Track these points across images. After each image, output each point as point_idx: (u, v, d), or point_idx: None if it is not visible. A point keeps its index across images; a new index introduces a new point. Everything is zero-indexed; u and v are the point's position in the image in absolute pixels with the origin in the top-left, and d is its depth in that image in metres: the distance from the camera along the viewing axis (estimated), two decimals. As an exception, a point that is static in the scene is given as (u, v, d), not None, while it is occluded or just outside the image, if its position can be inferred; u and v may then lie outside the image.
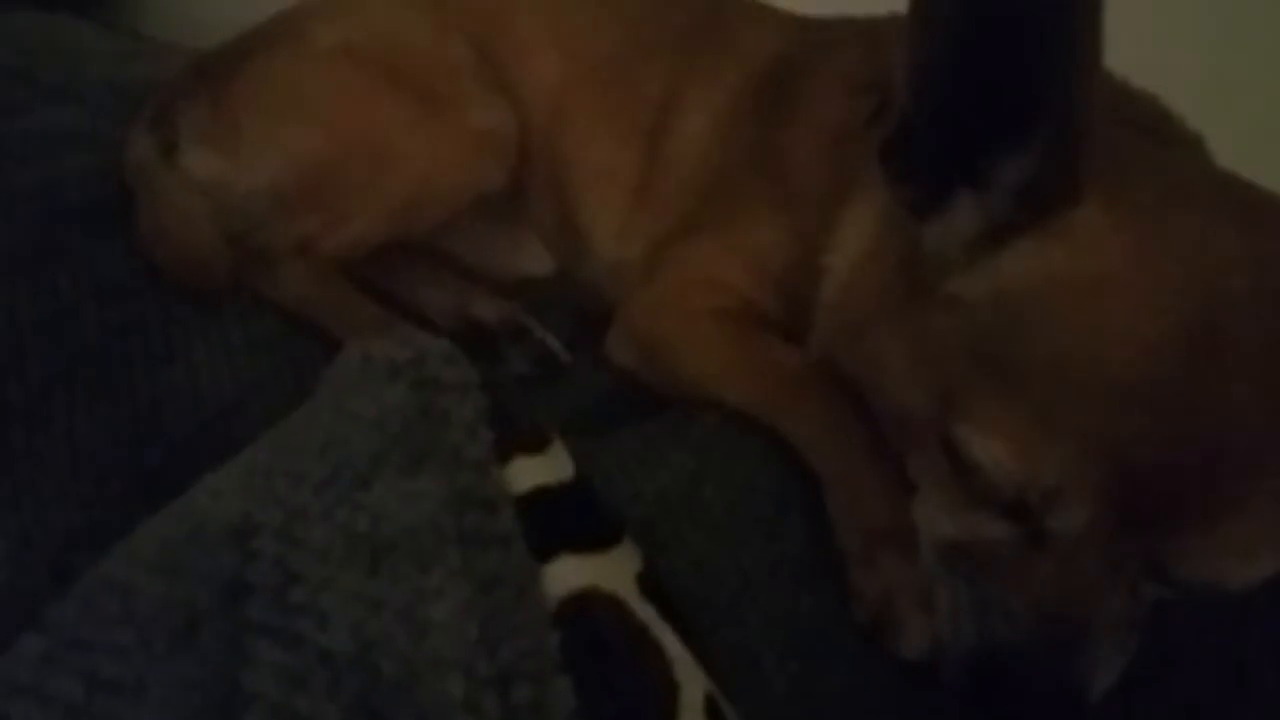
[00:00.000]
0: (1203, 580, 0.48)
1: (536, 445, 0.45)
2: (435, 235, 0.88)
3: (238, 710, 0.37)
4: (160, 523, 0.48)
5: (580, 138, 0.89)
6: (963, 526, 0.53)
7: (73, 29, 1.21)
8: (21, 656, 0.45)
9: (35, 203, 0.83)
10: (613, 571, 0.42)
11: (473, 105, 0.85)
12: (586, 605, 0.39)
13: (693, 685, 0.40)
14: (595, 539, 0.42)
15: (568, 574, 0.40)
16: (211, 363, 0.72)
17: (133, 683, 0.40)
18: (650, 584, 0.44)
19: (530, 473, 0.43)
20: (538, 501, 0.42)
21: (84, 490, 0.65)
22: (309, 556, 0.41)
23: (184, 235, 0.79)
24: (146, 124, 0.88)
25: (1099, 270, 0.47)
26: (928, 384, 0.54)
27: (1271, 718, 0.53)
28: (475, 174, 0.85)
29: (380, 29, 0.88)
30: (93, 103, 1.02)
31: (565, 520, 0.42)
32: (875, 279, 0.63)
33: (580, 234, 0.90)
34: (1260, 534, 0.47)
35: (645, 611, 0.41)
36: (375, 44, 0.87)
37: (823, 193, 0.72)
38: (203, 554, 0.43)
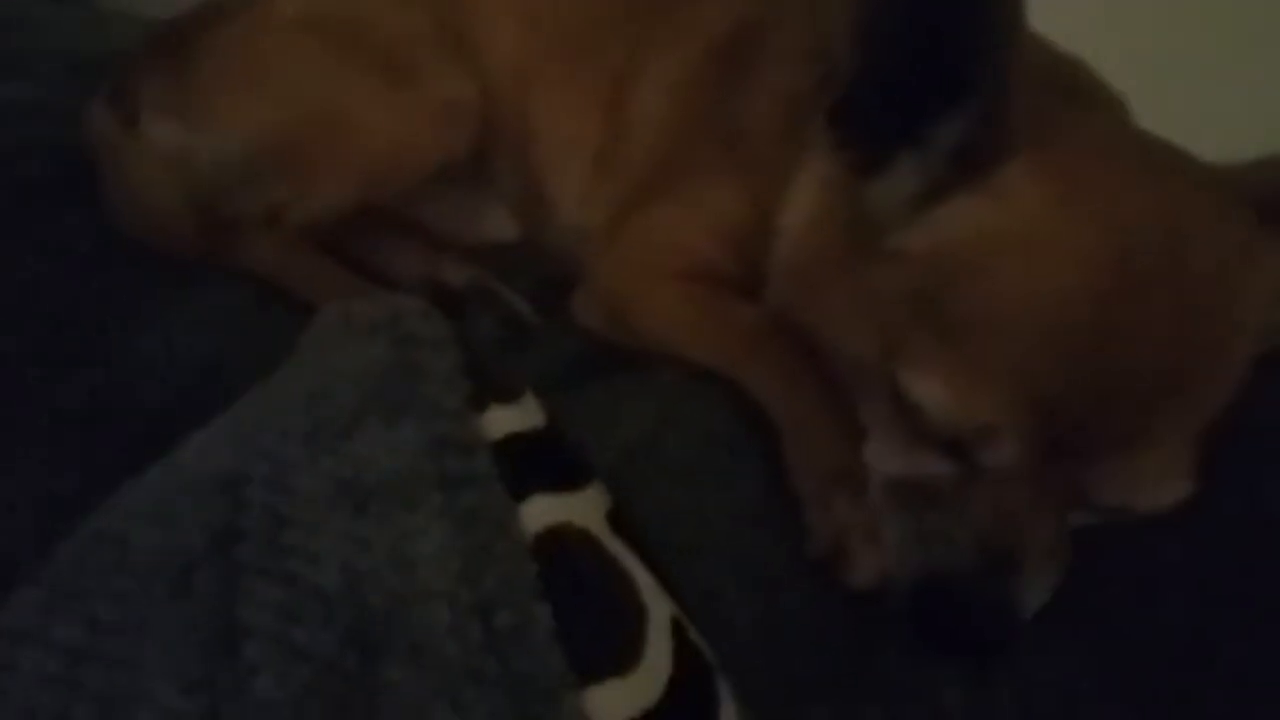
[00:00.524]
0: (1118, 504, 0.54)
1: (510, 395, 0.48)
2: (402, 203, 0.90)
3: (238, 642, 0.40)
4: (149, 479, 0.51)
5: (544, 106, 0.91)
6: (907, 464, 0.58)
7: (32, 2, 1.20)
8: (20, 607, 0.47)
9: (2, 172, 0.84)
10: (584, 509, 0.45)
11: (435, 75, 0.87)
12: (560, 539, 0.42)
13: (659, 609, 0.43)
14: (567, 481, 0.45)
15: (542, 512, 0.43)
16: (185, 330, 0.74)
17: (135, 623, 0.42)
18: (618, 522, 0.47)
19: (504, 421, 0.46)
20: (512, 447, 0.45)
21: (67, 456, 0.66)
22: (298, 503, 0.44)
23: (151, 205, 0.81)
24: (106, 97, 0.88)
25: (1025, 225, 0.52)
26: (874, 333, 0.58)
27: (1173, 633, 0.58)
28: (439, 143, 0.86)
29: (342, -1, 0.90)
30: (46, 75, 1.02)
31: (538, 463, 0.45)
32: (825, 238, 0.66)
33: (544, 200, 0.93)
34: (1165, 462, 0.52)
35: (614, 545, 0.45)
36: (337, 14, 0.88)
37: (776, 157, 0.75)
38: (194, 504, 0.45)
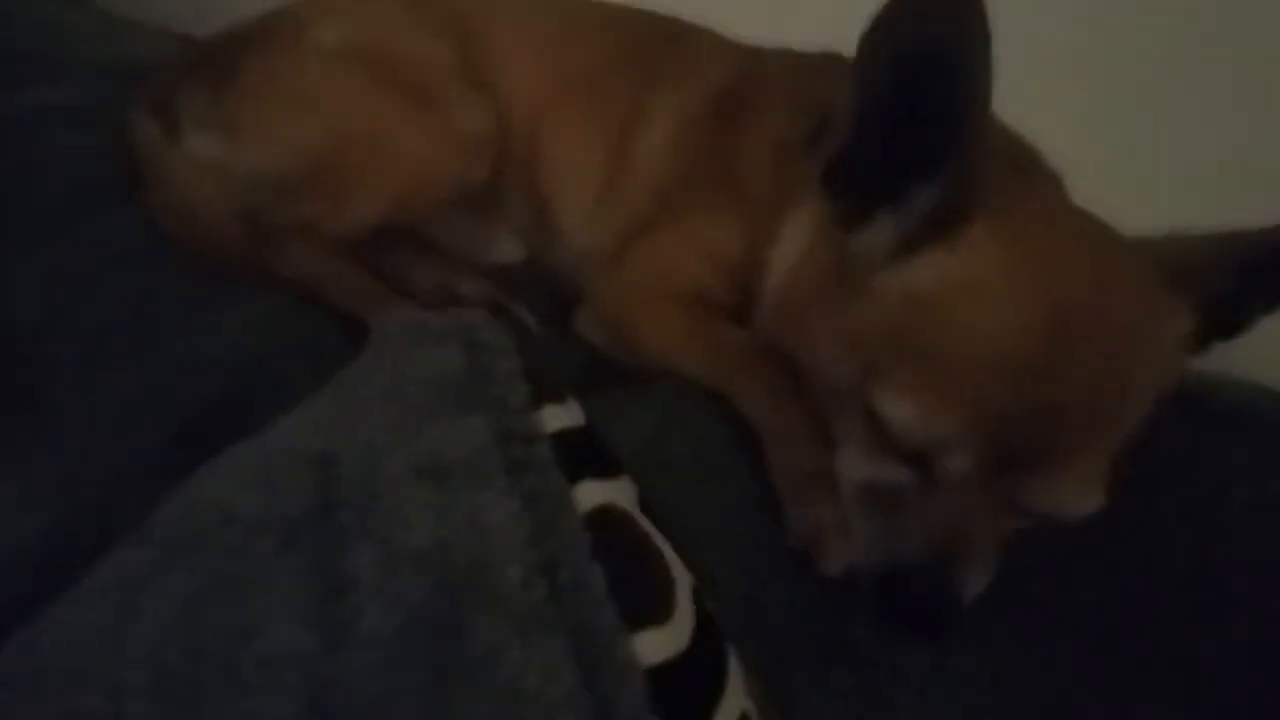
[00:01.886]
0: (1046, 511, 0.64)
1: (558, 396, 0.57)
2: (420, 222, 0.98)
3: (345, 589, 0.48)
4: (239, 455, 0.58)
5: (554, 138, 1.00)
6: (874, 471, 0.67)
7: (54, 7, 1.25)
8: (129, 564, 0.54)
9: (51, 175, 0.89)
10: (621, 494, 0.54)
11: (460, 105, 0.96)
12: (607, 515, 0.51)
13: (682, 577, 0.53)
14: (608, 470, 0.55)
15: (590, 494, 0.52)
16: (232, 329, 0.81)
17: (247, 574, 0.50)
18: (645, 507, 0.57)
19: (556, 418, 0.55)
20: (563, 440, 0.54)
21: (125, 436, 0.73)
22: (385, 478, 0.52)
23: (196, 210, 0.87)
24: (148, 106, 0.94)
25: (983, 277, 0.62)
26: (850, 358, 0.67)
27: (1082, 615, 0.70)
28: (462, 168, 0.95)
29: (377, 31, 0.97)
30: (83, 81, 1.07)
31: (584, 455, 0.54)
32: (811, 274, 0.76)
33: (551, 225, 1.02)
34: (1086, 478, 0.63)
35: (645, 524, 0.54)
36: (372, 45, 0.96)
37: (766, 198, 0.85)
38: (291, 475, 0.53)
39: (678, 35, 1.03)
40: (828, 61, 0.92)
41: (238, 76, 0.93)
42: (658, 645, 0.48)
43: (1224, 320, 0.69)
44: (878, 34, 0.59)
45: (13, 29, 1.12)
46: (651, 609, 0.49)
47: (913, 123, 0.62)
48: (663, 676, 0.47)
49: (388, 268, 0.96)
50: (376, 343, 0.62)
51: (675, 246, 0.89)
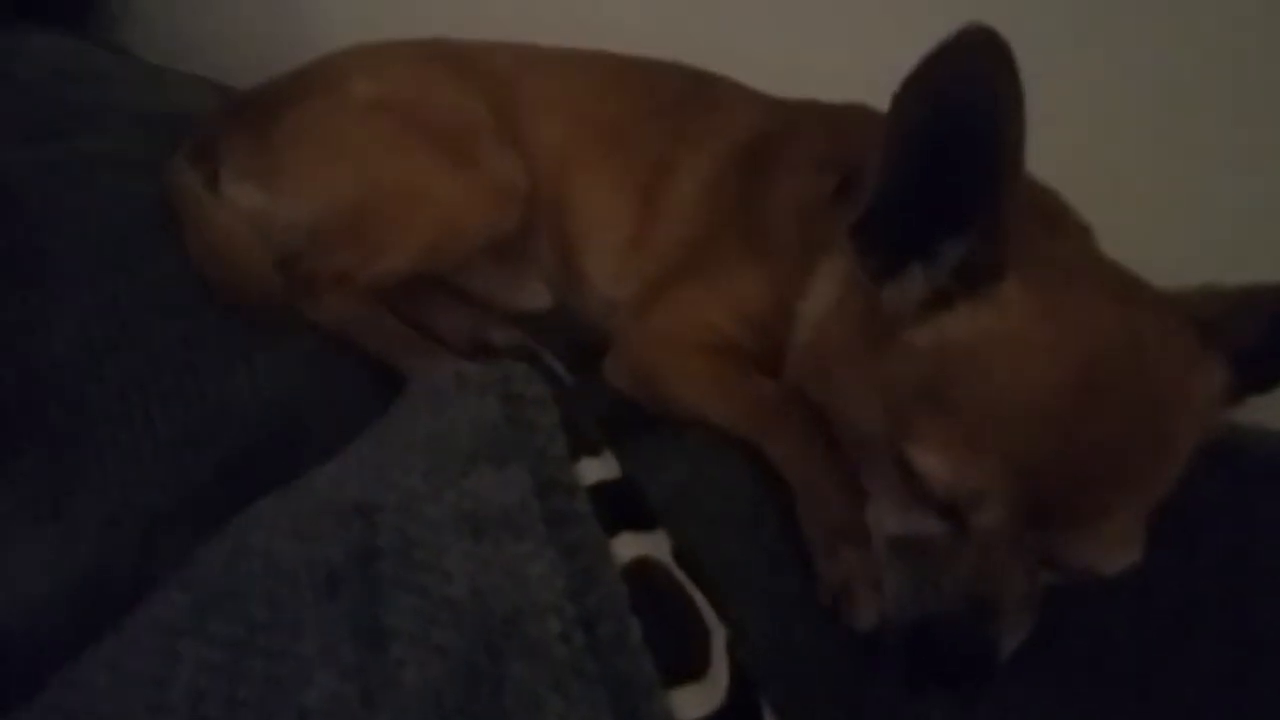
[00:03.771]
0: (1083, 567, 0.64)
1: (595, 449, 0.57)
2: (451, 271, 1.00)
3: (385, 640, 0.48)
4: (280, 503, 0.59)
5: (583, 191, 1.02)
6: (906, 524, 0.67)
7: (90, 52, 1.28)
8: (169, 607, 0.55)
9: (90, 223, 0.91)
10: (657, 546, 0.55)
11: (492, 158, 0.98)
12: (645, 568, 0.51)
13: (719, 631, 0.53)
14: (644, 523, 0.55)
15: (628, 546, 0.52)
16: (269, 374, 0.82)
17: (289, 622, 0.50)
18: (680, 559, 0.57)
19: (593, 470, 0.56)
20: (600, 492, 0.55)
21: (165, 478, 0.74)
22: (426, 528, 0.53)
23: (235, 258, 0.89)
24: (188, 155, 0.97)
25: (1015, 332, 0.63)
26: (881, 411, 0.68)
27: (1120, 679, 0.69)
28: (493, 219, 0.96)
29: (412, 85, 1.00)
30: (122, 128, 1.10)
31: (621, 507, 0.55)
32: (840, 326, 0.77)
33: (579, 274, 1.03)
34: (1123, 532, 0.63)
35: (681, 576, 0.54)
36: (406, 98, 0.98)
37: (793, 252, 0.86)
38: (332, 525, 0.54)
39: (706, 87, 1.05)
40: (855, 113, 0.94)
41: (277, 127, 0.95)
42: (694, 702, 0.48)
43: (1257, 374, 0.69)
44: (912, 91, 0.60)
45: (59, 79, 1.15)
46: (688, 664, 0.49)
47: (944, 177, 0.63)
48: (699, 733, 0.47)
49: (419, 315, 0.97)
50: (416, 393, 0.63)
51: (703, 297, 0.90)
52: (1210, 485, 0.71)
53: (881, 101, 0.62)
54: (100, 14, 1.67)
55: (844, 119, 0.95)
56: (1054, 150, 0.72)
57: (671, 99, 1.03)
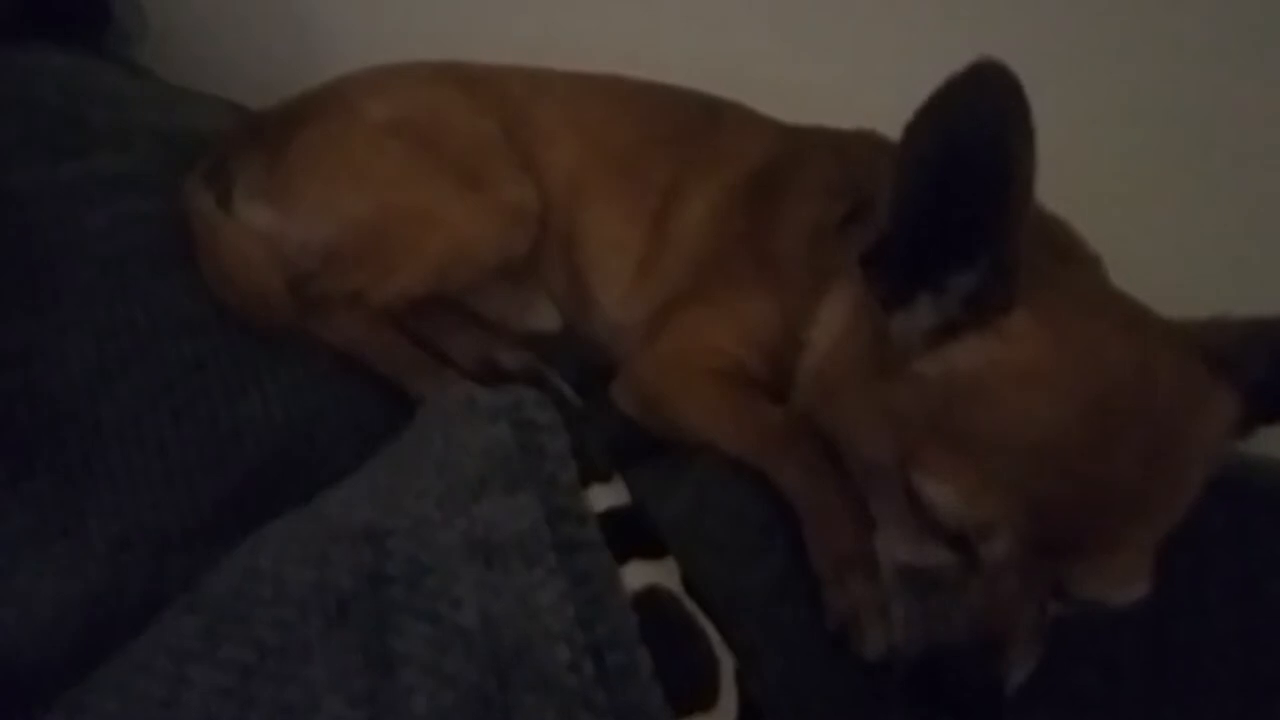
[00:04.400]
0: (1090, 598, 0.64)
1: (605, 476, 0.58)
2: (461, 292, 1.00)
3: (395, 667, 0.48)
4: (291, 527, 0.59)
5: (593, 215, 1.02)
6: (915, 553, 0.67)
7: (109, 72, 1.30)
8: (181, 632, 0.55)
9: (106, 242, 0.92)
10: (668, 574, 0.55)
11: (504, 181, 0.98)
12: (655, 597, 0.52)
13: (727, 660, 0.53)
14: (653, 550, 0.55)
15: (638, 575, 0.52)
16: (280, 395, 0.82)
17: (298, 647, 0.51)
18: (689, 587, 0.57)
19: (603, 497, 0.56)
20: (610, 519, 0.55)
21: (177, 500, 0.74)
22: (436, 554, 0.53)
23: (249, 278, 0.89)
24: (202, 175, 0.98)
25: (1026, 363, 0.63)
26: (890, 440, 0.68)
27: (1137, 711, 0.69)
28: (505, 242, 0.97)
29: (425, 109, 1.01)
30: (141, 148, 1.11)
31: (631, 534, 0.55)
32: (849, 354, 0.77)
33: (589, 297, 1.04)
34: (1133, 564, 0.63)
35: (690, 605, 0.55)
36: (420, 121, 0.99)
37: (802, 279, 0.87)
38: (345, 550, 0.54)
39: (717, 113, 1.06)
40: (865, 140, 0.94)
41: (290, 148, 0.96)
42: (704, 733, 0.48)
43: (1267, 404, 0.69)
44: (924, 123, 0.60)
45: (77, 99, 1.16)
46: (697, 694, 0.49)
47: (955, 209, 0.63)
48: (708, 765, 0.47)
49: (430, 337, 0.98)
50: (426, 418, 0.63)
51: (712, 322, 0.90)
52: (1217, 516, 0.71)
53: (891, 127, 0.63)
54: (118, 34, 1.69)
55: (854, 146, 0.95)
56: (1063, 178, 0.72)
57: (682, 125, 1.04)
